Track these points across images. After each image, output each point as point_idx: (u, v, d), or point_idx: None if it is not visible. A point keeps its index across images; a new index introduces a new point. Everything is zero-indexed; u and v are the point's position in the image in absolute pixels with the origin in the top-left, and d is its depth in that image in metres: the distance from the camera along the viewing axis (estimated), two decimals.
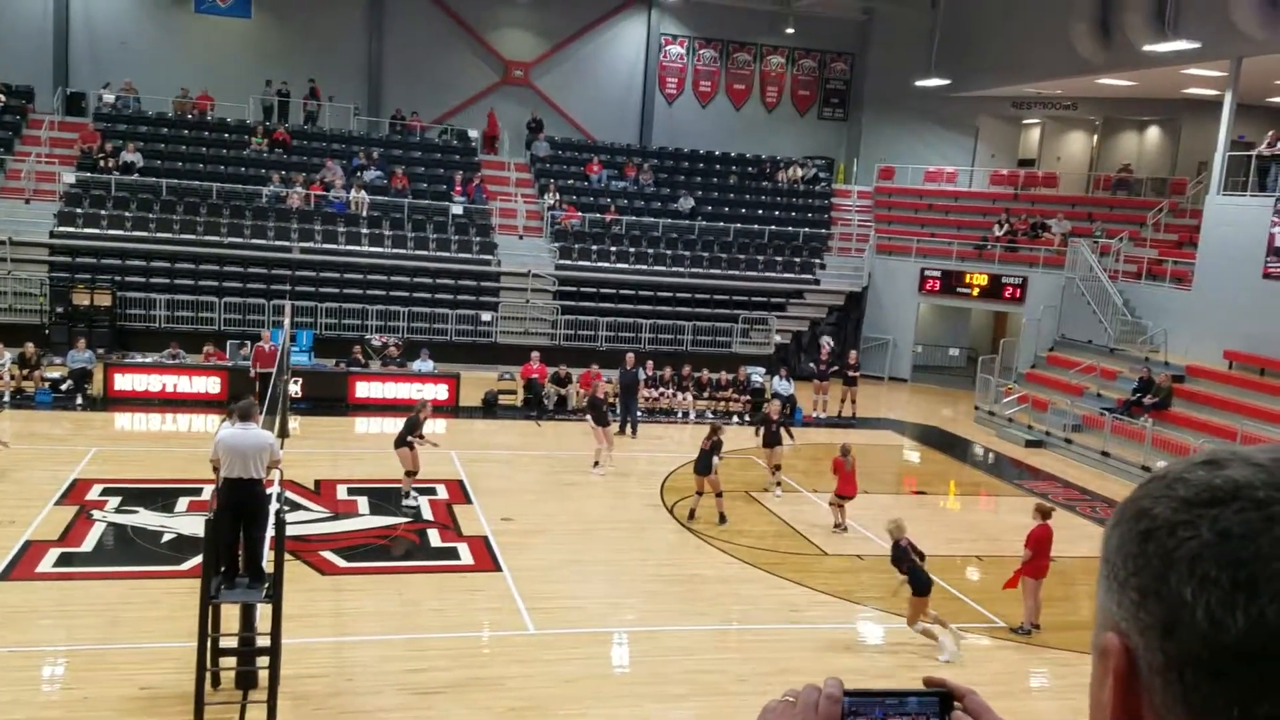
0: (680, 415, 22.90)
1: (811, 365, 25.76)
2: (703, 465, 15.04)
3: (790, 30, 35.18)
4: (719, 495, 15.17)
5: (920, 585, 11.00)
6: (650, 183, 32.44)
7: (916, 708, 1.07)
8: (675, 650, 10.75)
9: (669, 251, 29.59)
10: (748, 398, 23.60)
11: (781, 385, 23.85)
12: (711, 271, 29.47)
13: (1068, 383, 24.00)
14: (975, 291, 29.40)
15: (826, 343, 25.32)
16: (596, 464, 17.54)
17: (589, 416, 18.05)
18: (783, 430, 17.47)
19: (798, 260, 30.53)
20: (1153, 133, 33.86)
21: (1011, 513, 17.58)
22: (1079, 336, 25.84)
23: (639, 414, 21.09)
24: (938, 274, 29.74)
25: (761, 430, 17.66)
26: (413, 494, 14.92)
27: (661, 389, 23.06)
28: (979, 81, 31.53)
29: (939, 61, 30.88)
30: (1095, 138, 35.13)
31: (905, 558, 11.09)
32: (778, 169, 34.02)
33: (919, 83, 31.90)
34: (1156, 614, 0.86)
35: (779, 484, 17.11)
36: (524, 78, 34.63)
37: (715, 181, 33.56)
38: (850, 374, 24.11)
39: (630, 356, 21.69)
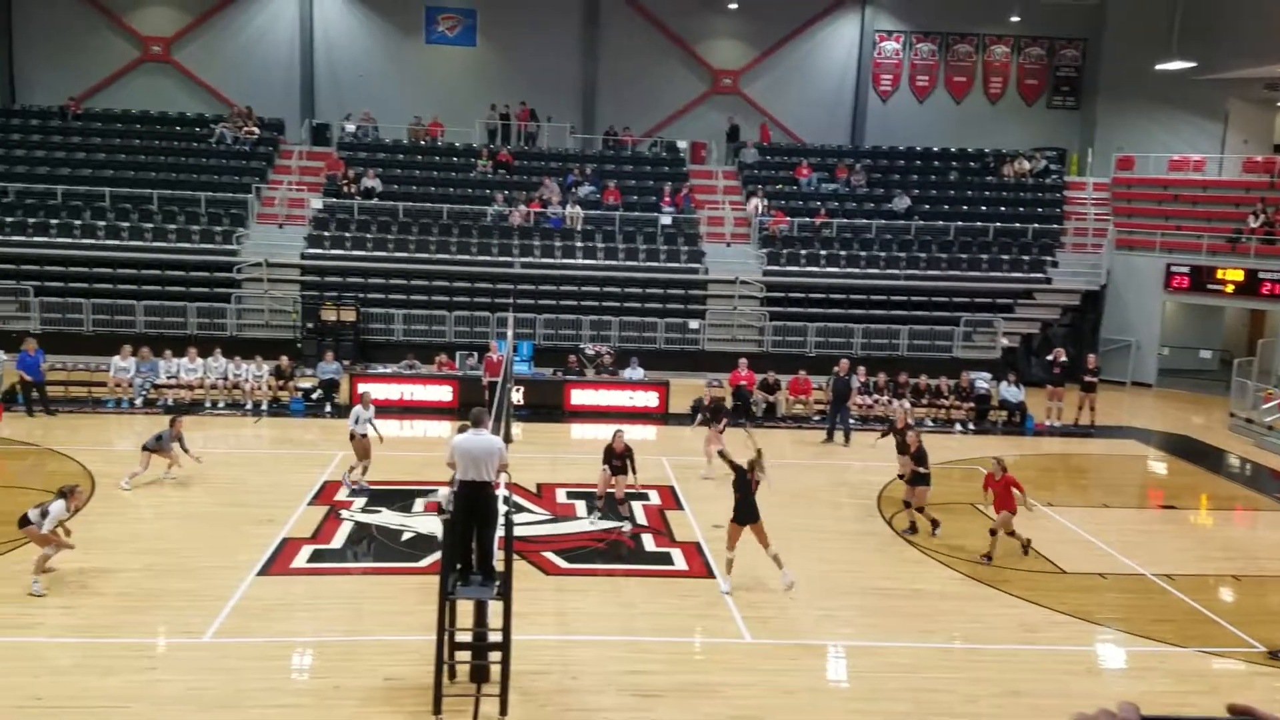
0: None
1: (1042, 370, 24.31)
2: (918, 476, 14.64)
3: (1016, 18, 33.62)
4: (920, 509, 14.69)
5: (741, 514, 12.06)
6: (863, 183, 31.72)
7: None
8: (896, 666, 10.39)
9: (883, 253, 28.81)
10: (971, 404, 22.58)
11: (1009, 391, 22.71)
12: (930, 273, 28.47)
13: None
14: (1229, 288, 27.03)
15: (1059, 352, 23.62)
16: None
17: (700, 418, 18.58)
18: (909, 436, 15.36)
19: (1026, 258, 29.02)
20: None
21: (1272, 529, 16.03)
22: None
23: (851, 421, 20.59)
24: (1185, 270, 27.59)
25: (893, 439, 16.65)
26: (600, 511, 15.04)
27: (876, 396, 22.41)
28: (1228, 63, 29.02)
29: (1182, 43, 28.62)
30: None
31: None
32: (1003, 162, 32.50)
33: (1160, 66, 29.71)
34: None
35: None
36: (733, 85, 34.77)
37: (933, 179, 32.43)
38: (1088, 379, 22.58)
39: (844, 363, 21.18)
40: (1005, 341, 27.40)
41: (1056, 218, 30.95)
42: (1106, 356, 27.33)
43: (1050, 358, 23.28)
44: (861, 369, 22.52)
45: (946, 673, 10.31)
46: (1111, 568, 13.62)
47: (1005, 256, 28.98)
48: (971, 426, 22.19)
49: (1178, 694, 10.09)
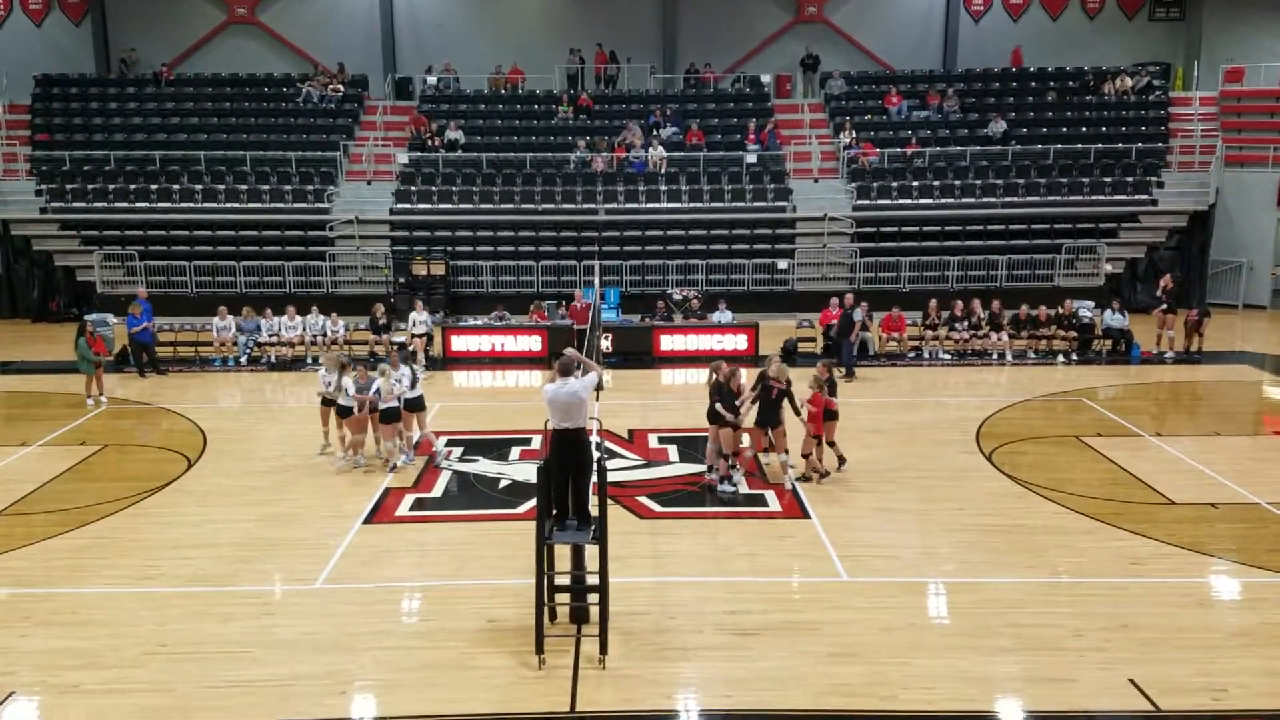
0: (996, 356, 21.64)
1: (1148, 297, 23.35)
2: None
3: None
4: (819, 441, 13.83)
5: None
6: (955, 109, 30.67)
7: None
8: (999, 603, 10.22)
9: (978, 181, 27.91)
10: (1074, 334, 21.86)
11: (1114, 319, 21.94)
12: (1028, 199, 27.53)
13: None
14: None
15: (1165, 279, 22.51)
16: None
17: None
18: (787, 402, 13.76)
19: (1130, 180, 27.78)
20: None
21: None
22: None
23: (854, 357, 20.23)
24: None
25: (758, 403, 13.76)
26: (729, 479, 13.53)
27: (974, 329, 21.85)
28: None
29: None
30: None
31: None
32: (1104, 80, 31.05)
33: None
34: None
35: (792, 466, 13.99)
36: (817, 14, 33.82)
37: (1030, 101, 31.18)
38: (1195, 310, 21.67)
39: (849, 297, 21.12)
40: (1109, 268, 26.40)
41: (1161, 136, 29.52)
42: (1217, 279, 26.18)
43: (1150, 283, 22.35)
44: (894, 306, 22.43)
45: (1051, 608, 10.11)
46: (1223, 497, 13.14)
47: (1108, 179, 27.79)
48: (1075, 357, 21.51)
49: None
